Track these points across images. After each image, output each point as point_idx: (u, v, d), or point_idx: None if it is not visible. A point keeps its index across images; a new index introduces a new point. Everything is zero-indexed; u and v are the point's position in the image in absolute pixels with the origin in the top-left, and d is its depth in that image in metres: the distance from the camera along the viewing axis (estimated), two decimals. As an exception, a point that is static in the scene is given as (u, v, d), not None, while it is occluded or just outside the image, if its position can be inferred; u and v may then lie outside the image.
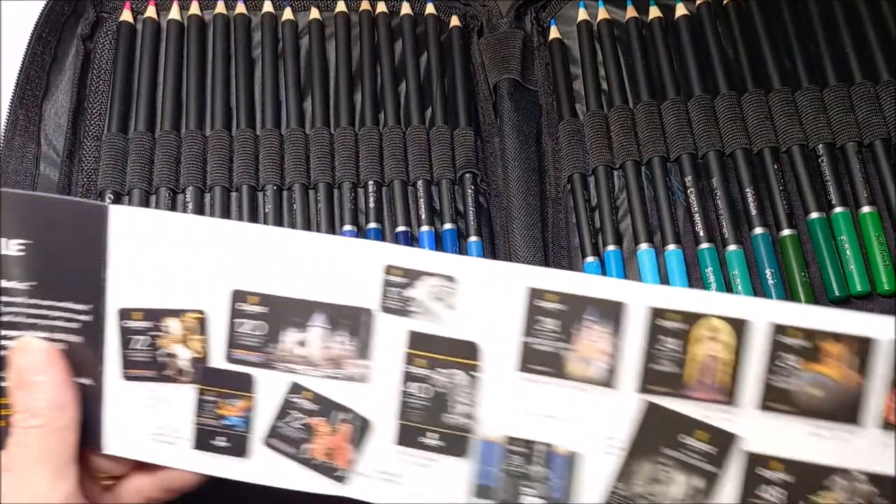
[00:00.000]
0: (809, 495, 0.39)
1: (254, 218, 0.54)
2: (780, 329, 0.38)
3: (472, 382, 0.40)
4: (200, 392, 0.42)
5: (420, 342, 0.40)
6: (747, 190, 0.52)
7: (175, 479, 0.42)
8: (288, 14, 0.59)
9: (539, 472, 0.40)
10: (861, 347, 0.38)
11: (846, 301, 0.50)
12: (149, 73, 0.57)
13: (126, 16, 0.59)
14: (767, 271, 0.50)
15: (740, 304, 0.39)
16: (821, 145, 0.53)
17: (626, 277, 0.52)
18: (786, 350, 0.38)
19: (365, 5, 0.59)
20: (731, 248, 0.51)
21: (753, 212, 0.52)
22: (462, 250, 0.53)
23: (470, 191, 0.55)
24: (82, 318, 0.41)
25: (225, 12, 0.59)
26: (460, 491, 0.41)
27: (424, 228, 0.54)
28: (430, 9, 0.59)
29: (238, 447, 0.42)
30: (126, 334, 0.41)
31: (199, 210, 0.54)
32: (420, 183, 0.55)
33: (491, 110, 0.58)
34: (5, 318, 0.40)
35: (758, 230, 0.51)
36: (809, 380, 0.38)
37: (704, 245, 0.52)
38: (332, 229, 0.54)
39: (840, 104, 0.53)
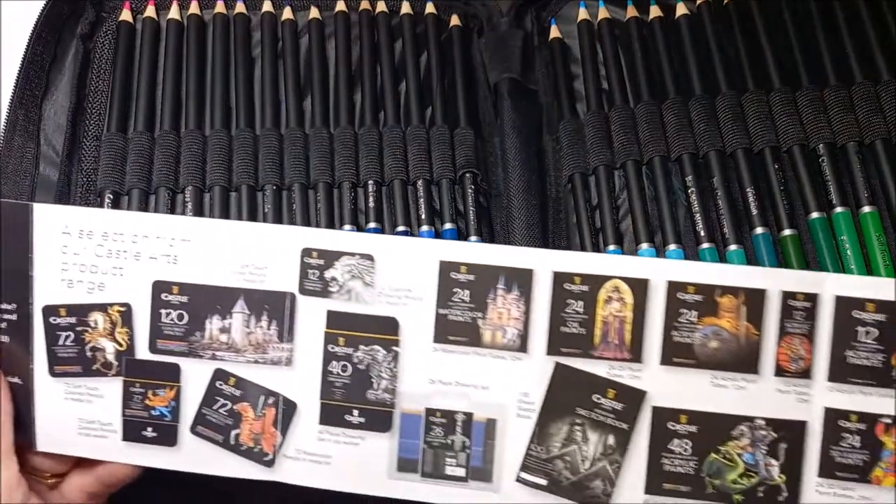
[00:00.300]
0: (719, 446, 0.41)
1: (253, 218, 0.54)
2: (677, 286, 0.40)
3: (392, 357, 0.41)
4: (128, 384, 0.42)
5: (340, 321, 0.41)
6: (748, 190, 0.52)
7: (112, 472, 0.43)
8: (288, 13, 0.59)
9: (460, 441, 0.41)
10: (752, 299, 0.40)
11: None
12: (148, 73, 0.57)
13: (125, 15, 0.58)
14: (768, 271, 0.50)
15: (639, 265, 0.41)
16: (821, 145, 0.53)
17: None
18: (684, 306, 0.40)
19: (365, 5, 0.59)
20: (732, 247, 0.51)
21: (754, 211, 0.52)
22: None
23: (470, 190, 0.55)
24: (8, 317, 0.42)
25: (224, 12, 0.59)
26: (385, 466, 0.42)
27: (424, 228, 0.54)
28: (430, 8, 0.59)
29: (167, 437, 0.42)
30: (52, 331, 0.42)
31: (199, 210, 0.54)
32: (420, 183, 0.54)
33: (491, 110, 0.58)
34: None
35: (758, 230, 0.51)
36: (707, 333, 0.41)
37: (705, 245, 0.51)
38: (331, 229, 0.53)
39: (840, 104, 0.53)
